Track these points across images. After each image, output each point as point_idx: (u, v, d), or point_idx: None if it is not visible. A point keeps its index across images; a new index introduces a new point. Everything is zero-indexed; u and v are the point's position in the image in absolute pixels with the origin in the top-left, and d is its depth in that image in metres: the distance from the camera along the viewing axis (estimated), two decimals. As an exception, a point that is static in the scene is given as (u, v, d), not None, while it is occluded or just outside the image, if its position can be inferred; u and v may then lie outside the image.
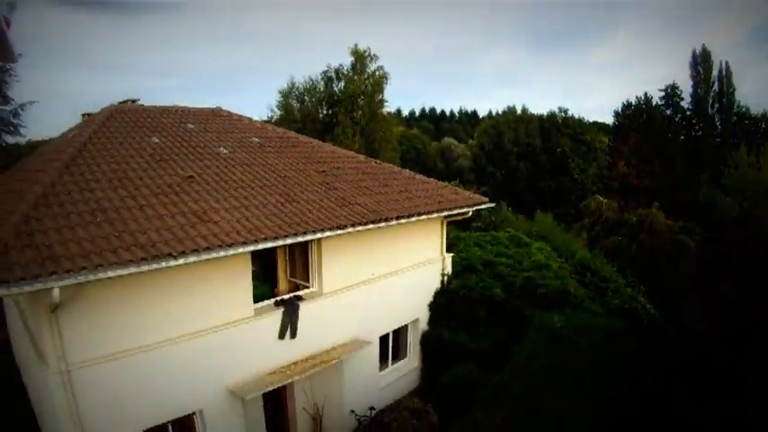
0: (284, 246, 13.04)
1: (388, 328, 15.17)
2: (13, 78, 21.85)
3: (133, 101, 17.08)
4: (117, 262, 8.44)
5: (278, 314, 12.20)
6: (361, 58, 43.05)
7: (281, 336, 12.18)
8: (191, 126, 15.79)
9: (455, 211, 15.79)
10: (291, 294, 12.75)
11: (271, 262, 14.15)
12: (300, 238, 11.21)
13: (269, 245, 10.64)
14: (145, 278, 9.52)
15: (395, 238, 14.76)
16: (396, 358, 16.01)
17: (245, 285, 11.58)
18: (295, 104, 50.19)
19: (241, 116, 18.15)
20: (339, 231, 11.93)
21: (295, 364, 12.36)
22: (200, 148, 14.31)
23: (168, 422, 10.49)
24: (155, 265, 8.88)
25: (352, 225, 12.22)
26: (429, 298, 16.30)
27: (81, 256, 8.34)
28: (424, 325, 16.16)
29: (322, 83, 47.27)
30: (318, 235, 11.58)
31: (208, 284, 10.83)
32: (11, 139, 23.12)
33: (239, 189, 12.35)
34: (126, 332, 9.61)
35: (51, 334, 8.70)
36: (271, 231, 10.79)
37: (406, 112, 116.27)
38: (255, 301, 11.96)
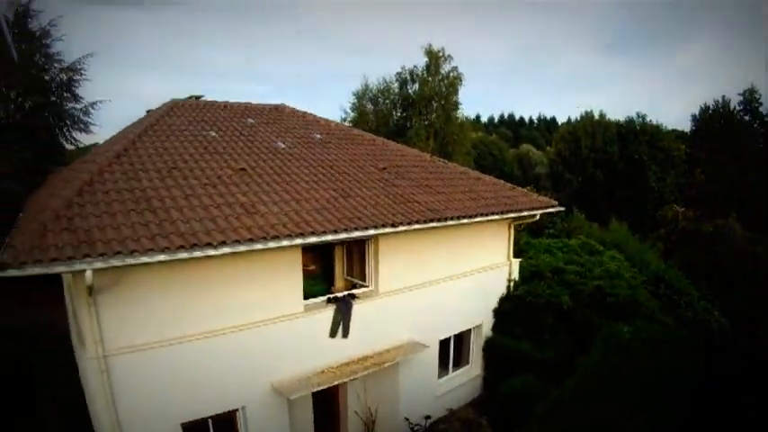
0: (341, 243, 12.76)
1: (449, 332, 14.30)
2: (84, 78, 22.27)
3: (197, 97, 16.97)
4: (152, 248, 8.17)
5: (330, 312, 11.61)
6: (435, 58, 41.93)
7: (333, 334, 11.55)
8: (251, 121, 15.53)
9: (522, 214, 14.82)
10: (345, 292, 12.03)
11: (329, 260, 13.62)
12: (348, 235, 10.60)
13: (314, 239, 10.05)
14: (189, 268, 9.34)
15: (458, 239, 13.94)
16: (457, 365, 15.12)
17: (295, 281, 11.04)
18: (369, 106, 49.32)
19: (305, 113, 17.75)
20: (392, 229, 11.25)
21: (346, 364, 11.68)
22: (258, 142, 13.97)
23: (208, 417, 10.12)
24: (195, 254, 8.55)
25: (408, 223, 11.50)
26: (494, 304, 15.36)
27: (117, 241, 8.14)
28: (487, 331, 15.22)
29: (396, 84, 46.43)
30: (370, 232, 10.91)
31: (255, 278, 10.42)
32: (84, 138, 23.64)
33: (292, 183, 11.88)
34: (167, 322, 9.34)
35: (90, 318, 8.50)
36: (319, 226, 10.25)
37: (485, 119, 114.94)
38: (310, 298, 11.51)
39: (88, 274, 7.71)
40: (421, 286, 13.17)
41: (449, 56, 42.19)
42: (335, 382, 11.26)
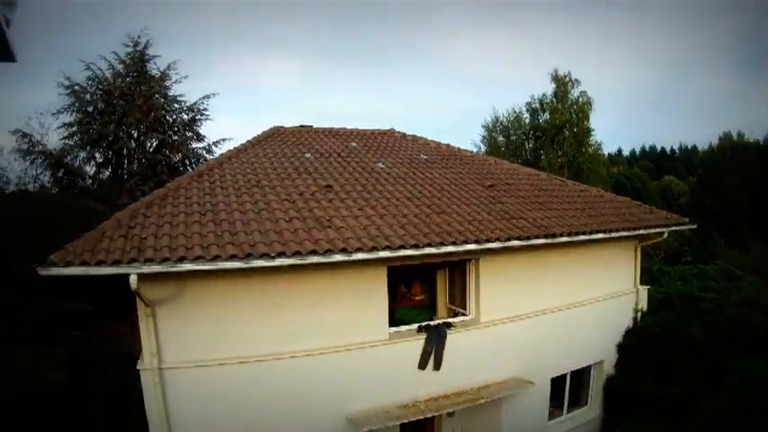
0: (442, 268, 11.85)
1: (563, 369, 12.24)
2: (206, 117, 22.85)
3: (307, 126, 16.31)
4: (202, 256, 7.68)
5: (420, 341, 10.23)
6: (562, 84, 39.36)
7: (422, 365, 10.17)
8: (353, 144, 14.68)
9: (648, 232, 12.55)
10: (439, 321, 10.54)
11: (432, 288, 12.59)
12: (432, 250, 9.24)
13: (387, 254, 8.87)
14: (258, 285, 8.86)
15: (576, 263, 12.04)
16: (573, 406, 12.96)
17: (379, 305, 9.89)
18: (501, 139, 46.74)
19: (415, 136, 16.49)
20: (488, 245, 9.71)
21: (435, 399, 10.18)
22: (355, 163, 13.06)
23: None
24: (251, 263, 7.91)
25: (507, 239, 9.89)
26: (617, 337, 13.08)
27: (169, 248, 7.79)
28: (609, 368, 12.90)
29: (527, 114, 44.07)
30: (457, 248, 9.46)
31: (332, 300, 9.51)
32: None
33: (380, 200, 10.80)
34: (231, 340, 8.79)
35: (147, 329, 8.25)
36: (398, 240, 9.06)
37: (626, 152, 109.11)
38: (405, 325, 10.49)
39: (132, 278, 7.42)
40: (529, 316, 11.38)
41: (576, 80, 39.27)
42: (418, 416, 9.81)
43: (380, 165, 12.81)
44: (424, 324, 10.43)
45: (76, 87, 19.76)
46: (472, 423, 11.30)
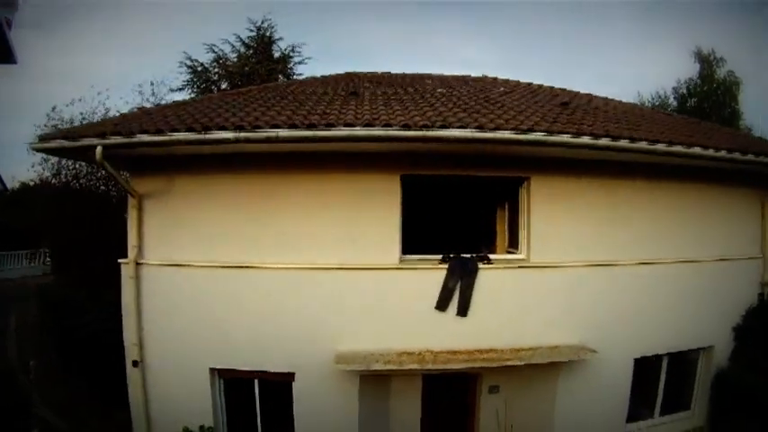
0: (501, 203, 9.57)
1: (655, 347, 8.62)
2: None
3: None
4: (175, 128, 6.77)
5: (441, 275, 7.53)
6: (707, 62, 33.06)
7: (441, 306, 7.61)
8: (428, 81, 11.95)
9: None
10: (472, 254, 7.78)
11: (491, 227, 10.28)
12: (442, 134, 6.75)
13: (393, 132, 6.64)
14: (245, 185, 7.68)
15: (671, 205, 8.61)
16: (669, 408, 9.06)
17: (390, 222, 7.64)
18: None
19: (519, 82, 12.65)
20: (520, 136, 6.83)
21: (454, 352, 7.39)
22: (413, 88, 10.52)
23: (251, 372, 7.83)
24: (214, 134, 6.64)
25: (548, 132, 6.96)
26: (734, 317, 9.04)
27: (154, 131, 6.84)
28: (721, 359, 8.95)
29: (673, 100, 37.93)
30: (483, 134, 6.78)
31: (332, 207, 7.64)
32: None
33: (420, 103, 8.37)
34: (215, 243, 7.69)
35: (132, 220, 7.76)
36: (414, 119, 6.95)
37: None
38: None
39: (98, 150, 6.76)
40: (603, 264, 8.14)
41: (721, 58, 32.85)
42: (426, 369, 7.21)
43: (441, 90, 10.33)
44: (449, 255, 7.76)
45: (199, 68, 19.81)
46: (518, 407, 8.24)
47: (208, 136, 6.56)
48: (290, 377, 7.64)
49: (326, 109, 7.54)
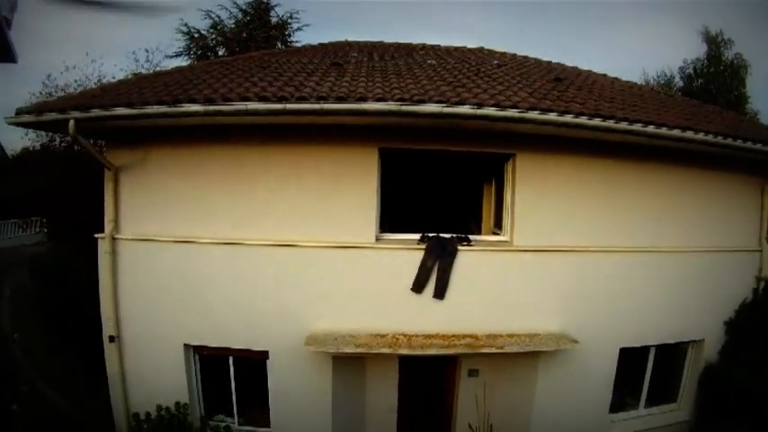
0: (488, 181, 9.22)
1: (642, 339, 8.15)
2: None
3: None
4: (147, 101, 6.50)
5: (419, 255, 7.12)
6: (714, 43, 31.58)
7: (417, 287, 7.22)
8: (422, 52, 11.28)
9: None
10: (451, 235, 7.34)
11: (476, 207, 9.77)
12: (415, 108, 6.28)
13: (365, 106, 6.24)
14: (219, 157, 7.30)
15: (664, 191, 8.03)
16: (655, 400, 8.61)
17: (366, 199, 7.26)
18: None
19: (515, 55, 11.85)
20: (500, 112, 6.39)
21: (427, 336, 6.98)
22: (401, 59, 9.96)
23: (224, 349, 7.51)
24: (179, 108, 6.36)
25: (531, 110, 6.50)
26: (726, 311, 8.50)
27: (126, 104, 6.56)
28: (711, 353, 8.44)
29: (679, 79, 36.47)
30: (459, 109, 6.37)
31: (307, 181, 7.23)
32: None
33: (391, 76, 7.83)
34: (189, 218, 7.37)
35: (108, 194, 7.46)
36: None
37: None
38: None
39: (71, 123, 6.53)
40: (590, 250, 7.67)
41: (729, 39, 31.35)
42: (394, 352, 6.82)
43: (431, 61, 9.78)
44: (427, 234, 7.34)
45: (195, 34, 19.36)
46: (498, 391, 7.85)
47: (177, 109, 6.29)
48: (263, 355, 7.36)
49: (305, 81, 7.11)
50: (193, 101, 6.26)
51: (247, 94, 6.32)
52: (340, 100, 6.13)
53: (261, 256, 7.20)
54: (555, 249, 7.47)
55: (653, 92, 10.44)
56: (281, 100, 6.15)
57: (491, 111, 6.31)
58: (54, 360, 10.38)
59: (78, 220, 12.06)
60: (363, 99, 6.16)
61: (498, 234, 7.96)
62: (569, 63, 11.08)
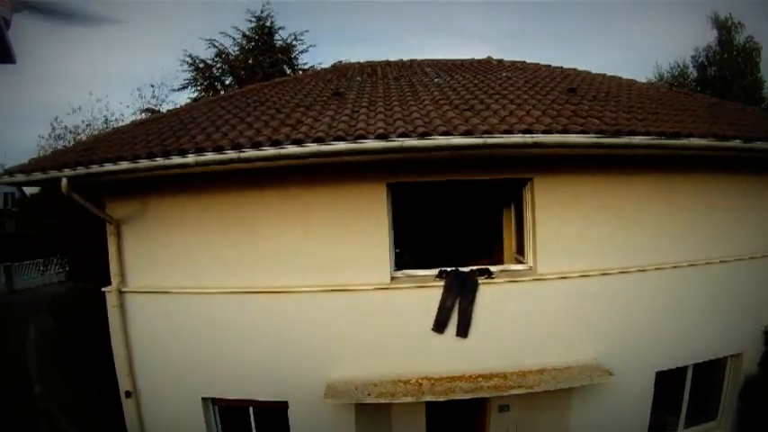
0: (508, 206, 8.60)
1: (677, 359, 7.53)
2: None
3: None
4: (137, 155, 6.12)
5: (437, 293, 6.66)
6: (725, 28, 30.24)
7: (438, 327, 6.74)
8: (428, 69, 10.79)
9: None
10: (471, 268, 6.83)
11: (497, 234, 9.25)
12: (407, 142, 5.75)
13: (376, 144, 5.71)
14: (219, 203, 6.88)
15: (689, 201, 7.39)
16: (695, 418, 8.01)
17: (378, 238, 6.72)
18: None
19: (524, 62, 11.28)
20: (511, 138, 5.83)
21: (452, 378, 6.50)
22: (405, 79, 9.45)
23: (244, 401, 7.11)
24: (170, 161, 6.01)
25: (546, 131, 5.95)
26: (765, 321, 7.81)
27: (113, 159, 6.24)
28: (750, 366, 7.80)
29: (693, 70, 35.12)
30: (468, 140, 5.81)
31: (313, 223, 6.76)
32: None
33: (403, 104, 7.36)
34: (197, 268, 6.97)
35: (112, 248, 7.16)
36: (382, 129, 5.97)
37: None
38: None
39: (63, 182, 6.28)
40: (618, 273, 7.06)
41: (739, 23, 29.98)
42: (420, 398, 6.36)
43: (438, 80, 9.25)
44: (445, 269, 6.84)
45: (201, 65, 18.92)
46: (531, 426, 7.37)
47: (168, 161, 5.87)
48: (283, 405, 6.95)
49: (302, 117, 6.66)
50: (183, 152, 5.86)
51: (240, 140, 5.89)
52: (338, 140, 5.64)
53: (271, 304, 6.77)
54: (581, 274, 6.89)
55: (671, 92, 9.72)
56: (274, 144, 5.69)
57: (502, 139, 5.76)
58: (74, 398, 10.18)
59: (93, 261, 11.83)
60: (363, 137, 5.67)
61: (521, 261, 7.42)
62: (580, 62, 10.44)
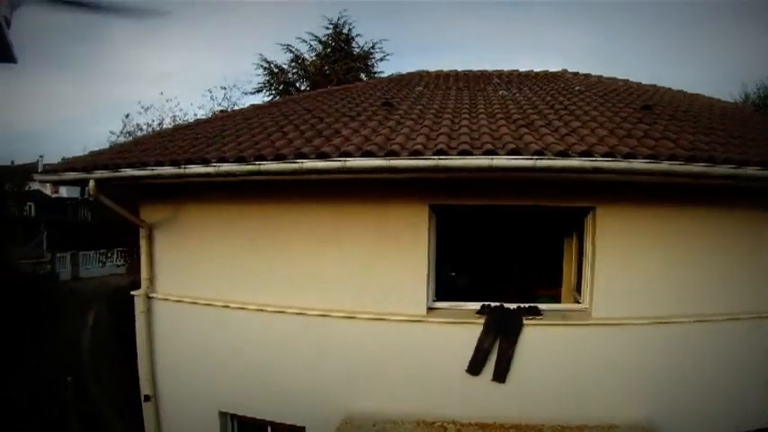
0: (569, 235, 7.71)
1: (747, 423, 6.07)
2: None
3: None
4: (159, 162, 5.84)
5: (476, 330, 5.75)
6: None
7: (474, 369, 5.88)
8: (496, 80, 9.99)
9: None
10: (517, 305, 5.96)
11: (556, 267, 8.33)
12: (450, 162, 5.00)
13: (395, 162, 5.03)
14: (252, 215, 6.46)
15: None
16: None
17: (415, 265, 5.98)
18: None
19: (601, 77, 10.24)
20: (560, 161, 4.94)
21: (484, 426, 5.62)
22: (469, 91, 8.69)
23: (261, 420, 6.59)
24: (189, 169, 5.63)
25: (608, 155, 5.01)
26: None
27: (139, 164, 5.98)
28: None
29: None
30: (515, 161, 4.91)
31: (345, 246, 6.15)
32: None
33: (446, 116, 6.60)
34: (220, 279, 6.62)
35: (143, 251, 6.99)
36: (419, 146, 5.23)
37: None
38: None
39: (91, 183, 6.11)
40: (684, 321, 5.88)
41: None
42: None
43: (503, 92, 8.39)
44: (488, 304, 5.99)
45: (276, 69, 18.95)
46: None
47: (187, 170, 5.44)
48: (300, 430, 6.39)
49: (341, 128, 6.10)
50: (206, 161, 5.44)
51: (265, 151, 5.39)
52: (367, 155, 4.98)
53: (296, 325, 6.22)
54: (642, 321, 5.82)
55: (757, 114, 8.34)
56: (299, 157, 5.13)
57: (555, 161, 4.88)
58: (120, 390, 10.22)
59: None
60: (395, 153, 4.97)
61: (578, 300, 6.45)
62: (664, 83, 9.29)
